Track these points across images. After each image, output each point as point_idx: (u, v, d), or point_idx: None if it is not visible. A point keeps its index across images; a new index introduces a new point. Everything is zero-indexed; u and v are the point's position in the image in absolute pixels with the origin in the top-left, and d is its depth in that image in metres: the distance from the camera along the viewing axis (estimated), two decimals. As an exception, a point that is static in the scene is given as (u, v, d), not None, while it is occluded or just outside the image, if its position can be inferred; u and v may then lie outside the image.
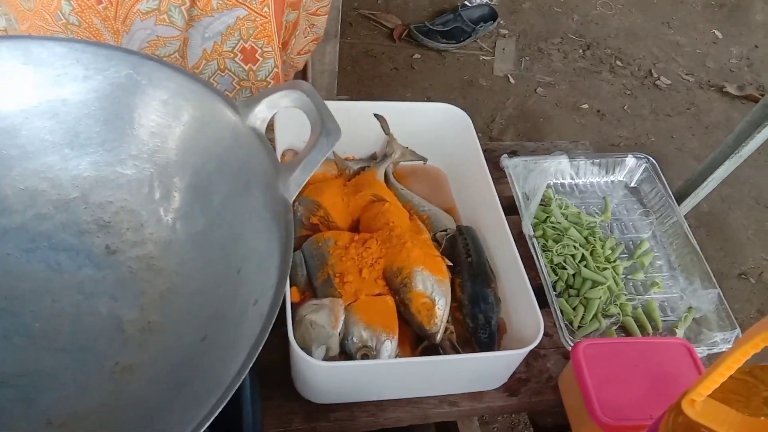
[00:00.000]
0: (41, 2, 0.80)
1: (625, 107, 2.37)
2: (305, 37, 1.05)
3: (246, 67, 0.92)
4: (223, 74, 0.92)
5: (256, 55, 0.91)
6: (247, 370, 0.40)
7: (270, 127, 0.78)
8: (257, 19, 0.87)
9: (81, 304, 0.58)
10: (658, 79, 2.48)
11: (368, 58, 2.35)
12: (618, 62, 2.52)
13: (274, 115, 0.58)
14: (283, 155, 0.87)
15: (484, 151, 0.87)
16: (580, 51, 2.54)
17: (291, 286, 0.73)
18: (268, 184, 0.53)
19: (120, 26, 0.81)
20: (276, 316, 0.44)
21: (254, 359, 0.40)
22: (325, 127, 0.52)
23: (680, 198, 1.36)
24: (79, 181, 0.63)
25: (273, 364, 0.71)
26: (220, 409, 0.40)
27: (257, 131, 0.57)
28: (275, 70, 0.95)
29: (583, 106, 2.35)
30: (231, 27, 0.87)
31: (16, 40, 0.60)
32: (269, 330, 0.42)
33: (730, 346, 0.80)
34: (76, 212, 0.63)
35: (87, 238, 0.62)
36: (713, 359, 0.81)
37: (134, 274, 0.60)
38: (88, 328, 0.56)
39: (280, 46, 0.94)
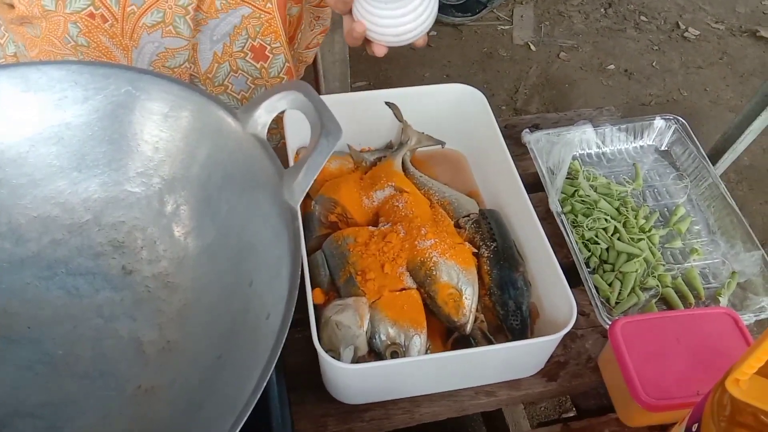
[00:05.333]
0: (48, 28, 0.79)
1: (654, 64, 2.29)
2: (311, 30, 1.03)
3: (258, 65, 0.91)
4: (236, 75, 0.91)
5: (266, 52, 0.90)
6: (261, 390, 0.39)
7: (279, 121, 0.76)
8: (262, 15, 0.85)
9: (101, 328, 0.58)
10: (686, 30, 2.38)
11: (383, 41, 2.31)
12: (642, 17, 2.43)
13: (283, 114, 0.56)
14: (297, 154, 0.85)
15: (506, 127, 0.84)
16: (602, 10, 2.46)
17: (314, 288, 0.71)
18: (274, 192, 0.52)
19: (128, 42, 0.81)
20: (287, 331, 0.42)
21: (267, 379, 0.39)
22: (324, 128, 0.51)
23: (719, 153, 1.30)
24: (90, 203, 0.63)
25: (302, 367, 0.70)
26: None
27: (258, 137, 0.55)
28: (287, 64, 0.93)
29: (609, 67, 2.27)
30: (237, 27, 0.86)
31: (13, 69, 0.60)
32: (281, 348, 0.41)
33: (778, 311, 0.76)
34: (90, 235, 0.62)
35: (103, 260, 0.62)
36: (762, 326, 0.77)
37: (151, 293, 0.60)
38: (110, 351, 0.56)
39: (287, 40, 0.92)
